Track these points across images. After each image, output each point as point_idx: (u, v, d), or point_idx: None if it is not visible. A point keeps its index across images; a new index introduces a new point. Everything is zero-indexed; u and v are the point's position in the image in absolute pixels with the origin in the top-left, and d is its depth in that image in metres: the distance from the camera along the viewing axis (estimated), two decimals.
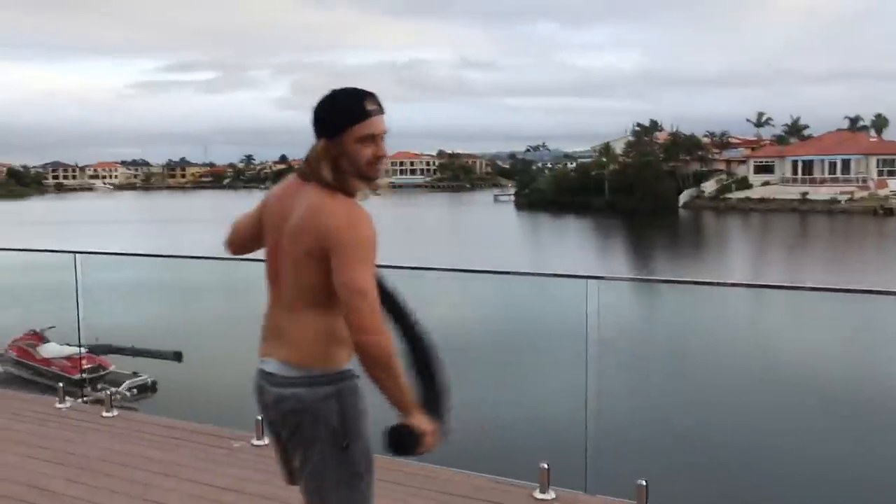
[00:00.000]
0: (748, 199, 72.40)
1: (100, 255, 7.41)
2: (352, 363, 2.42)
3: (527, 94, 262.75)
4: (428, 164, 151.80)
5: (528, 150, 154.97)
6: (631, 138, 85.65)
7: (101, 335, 13.42)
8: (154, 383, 14.46)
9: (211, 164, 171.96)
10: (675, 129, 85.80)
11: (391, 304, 2.56)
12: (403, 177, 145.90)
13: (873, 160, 72.24)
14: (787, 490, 8.35)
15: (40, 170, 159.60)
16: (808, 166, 74.17)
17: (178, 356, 14.36)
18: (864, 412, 10.01)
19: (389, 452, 2.41)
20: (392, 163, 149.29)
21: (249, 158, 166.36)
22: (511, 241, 49.59)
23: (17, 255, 11.39)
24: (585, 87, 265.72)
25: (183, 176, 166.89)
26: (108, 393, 6.14)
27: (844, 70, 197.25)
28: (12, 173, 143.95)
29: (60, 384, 6.09)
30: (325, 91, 2.41)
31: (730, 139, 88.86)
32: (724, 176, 78.44)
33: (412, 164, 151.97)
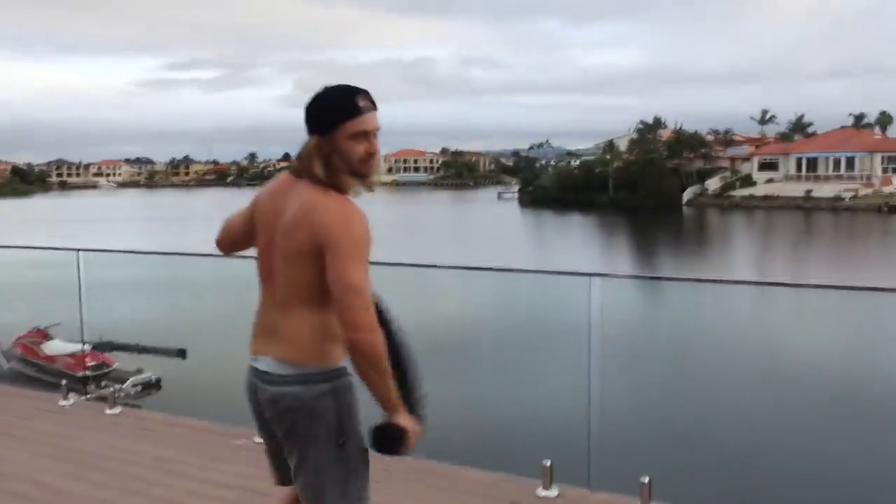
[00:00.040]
0: (752, 196, 72.28)
1: (104, 253, 7.43)
2: (346, 360, 2.42)
3: (530, 91, 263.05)
4: (431, 161, 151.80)
5: (531, 148, 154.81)
6: (634, 136, 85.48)
7: (105, 332, 13.47)
8: (158, 380, 14.47)
9: (214, 162, 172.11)
10: (678, 127, 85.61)
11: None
12: (407, 174, 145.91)
13: (878, 157, 72.06)
14: (790, 488, 8.34)
15: (44, 168, 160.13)
16: (812, 163, 74.03)
17: (182, 353, 14.39)
18: (868, 410, 10.00)
19: (374, 450, 2.43)
20: (396, 160, 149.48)
21: (253, 156, 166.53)
22: (515, 238, 49.54)
23: (22, 252, 11.42)
24: (589, 85, 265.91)
25: (186, 174, 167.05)
26: (112, 390, 6.16)
27: (849, 67, 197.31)
28: (16, 171, 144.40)
29: (64, 381, 6.11)
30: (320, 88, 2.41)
31: (734, 136, 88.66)
32: (727, 173, 78.31)
33: (416, 161, 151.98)
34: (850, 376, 11.45)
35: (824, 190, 69.34)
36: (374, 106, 2.40)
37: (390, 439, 2.37)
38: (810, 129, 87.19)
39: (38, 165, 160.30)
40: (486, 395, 10.63)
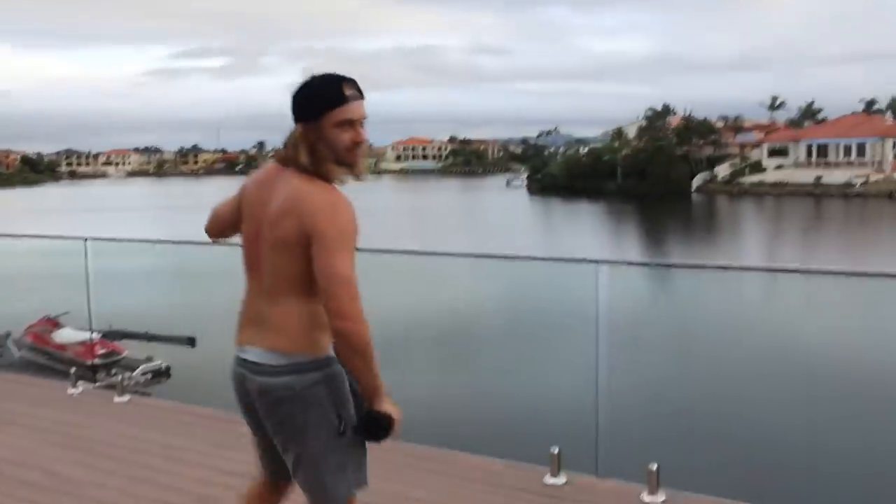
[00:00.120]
0: (762, 183, 72.01)
1: (114, 242, 7.44)
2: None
3: (539, 78, 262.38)
4: (440, 149, 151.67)
5: (540, 135, 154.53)
6: (643, 123, 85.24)
7: (115, 321, 13.51)
8: (168, 368, 14.53)
9: (223, 151, 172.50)
10: (688, 114, 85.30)
11: None
12: (415, 162, 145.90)
13: (889, 143, 71.64)
14: (798, 477, 8.32)
15: (54, 157, 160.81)
16: (822, 150, 73.66)
17: (191, 341, 14.43)
18: (879, 399, 9.96)
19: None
20: (404, 148, 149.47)
21: (261, 144, 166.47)
22: (523, 226, 49.51)
23: (32, 241, 11.45)
24: (597, 72, 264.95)
25: (195, 162, 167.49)
26: (121, 378, 6.17)
27: (859, 53, 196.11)
28: (26, 161, 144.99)
29: (73, 370, 6.12)
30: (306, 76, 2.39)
31: (743, 123, 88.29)
32: (737, 160, 78.03)
33: (424, 149, 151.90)
34: (860, 365, 11.38)
35: (835, 176, 69.01)
36: (360, 95, 2.38)
37: (377, 426, 2.38)
38: (820, 116, 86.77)
39: (47, 155, 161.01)
40: (494, 382, 10.63)
